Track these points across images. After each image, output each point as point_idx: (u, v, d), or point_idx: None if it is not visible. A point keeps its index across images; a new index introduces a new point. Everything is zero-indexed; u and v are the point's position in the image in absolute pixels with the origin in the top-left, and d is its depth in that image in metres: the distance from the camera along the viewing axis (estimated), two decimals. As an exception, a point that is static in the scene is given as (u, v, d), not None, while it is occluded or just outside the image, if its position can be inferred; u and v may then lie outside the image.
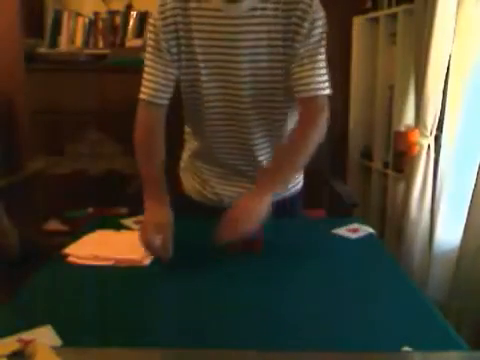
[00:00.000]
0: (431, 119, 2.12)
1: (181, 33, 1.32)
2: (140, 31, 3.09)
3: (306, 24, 1.27)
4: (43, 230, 2.89)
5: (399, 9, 2.47)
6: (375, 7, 2.80)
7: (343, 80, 2.97)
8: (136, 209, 1.70)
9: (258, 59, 1.32)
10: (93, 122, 2.90)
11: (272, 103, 1.39)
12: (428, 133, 2.14)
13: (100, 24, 3.10)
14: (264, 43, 1.31)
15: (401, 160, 2.41)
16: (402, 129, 2.44)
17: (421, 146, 2.16)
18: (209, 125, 1.44)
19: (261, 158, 1.47)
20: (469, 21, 1.95)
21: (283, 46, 1.31)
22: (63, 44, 3.08)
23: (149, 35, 1.36)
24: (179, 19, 1.31)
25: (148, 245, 1.23)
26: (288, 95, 1.37)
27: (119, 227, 1.50)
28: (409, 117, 2.45)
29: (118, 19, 3.10)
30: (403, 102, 2.49)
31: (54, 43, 3.08)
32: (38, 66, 2.90)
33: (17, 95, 2.89)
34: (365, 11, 2.87)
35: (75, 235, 1.42)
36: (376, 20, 2.78)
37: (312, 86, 1.31)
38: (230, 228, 1.22)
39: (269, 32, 1.30)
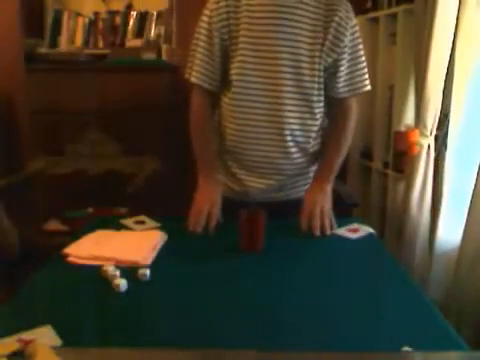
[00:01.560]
0: (431, 119, 2.12)
1: (232, 21, 1.46)
2: (140, 31, 3.09)
3: (347, 33, 1.46)
4: (43, 230, 2.89)
5: (399, 9, 2.47)
6: (375, 7, 2.79)
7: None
8: (136, 209, 1.70)
9: (299, 46, 1.44)
10: (93, 122, 2.89)
11: (310, 90, 1.49)
12: (428, 133, 2.14)
13: (100, 24, 3.10)
14: (305, 33, 1.44)
15: (401, 160, 2.41)
16: (402, 129, 2.44)
17: (421, 146, 2.16)
18: (247, 112, 1.52)
19: (293, 149, 1.55)
20: (471, 22, 1.95)
21: (322, 42, 1.45)
22: (63, 44, 3.08)
23: (201, 24, 1.50)
24: (231, 8, 1.46)
25: (197, 218, 1.48)
26: (322, 87, 1.51)
27: (119, 227, 1.50)
28: (409, 117, 2.45)
29: (118, 19, 3.10)
30: (403, 102, 2.49)
31: (54, 43, 3.08)
32: (38, 66, 2.89)
33: (17, 95, 2.89)
34: (365, 11, 2.87)
35: (75, 235, 1.42)
36: (376, 20, 2.78)
37: (355, 86, 1.53)
38: (315, 219, 1.47)
39: (311, 25, 1.44)
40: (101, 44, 3.11)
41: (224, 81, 1.52)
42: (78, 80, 2.87)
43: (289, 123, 1.51)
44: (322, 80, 1.50)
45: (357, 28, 1.51)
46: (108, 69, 2.91)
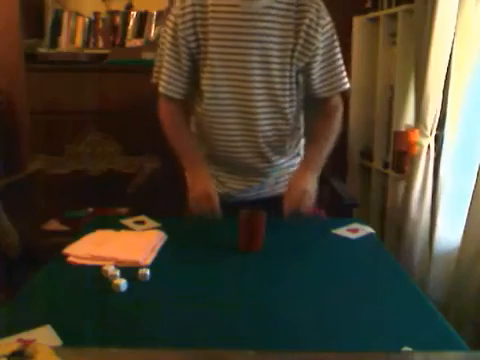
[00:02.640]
0: (431, 119, 2.12)
1: (199, 28, 1.40)
2: (140, 31, 3.09)
3: (318, 35, 1.40)
4: (43, 230, 2.89)
5: (399, 9, 2.47)
6: (375, 7, 2.79)
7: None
8: (136, 209, 1.70)
9: (269, 54, 1.41)
10: (93, 122, 2.89)
11: (281, 97, 1.47)
12: (428, 133, 2.14)
13: (100, 24, 3.10)
14: (275, 40, 1.40)
15: (401, 160, 2.41)
16: (402, 129, 2.44)
17: (421, 146, 2.16)
18: (220, 122, 1.50)
19: (269, 154, 1.56)
20: (470, 21, 1.95)
21: (293, 47, 1.41)
22: (63, 44, 3.08)
23: (166, 30, 1.44)
24: (198, 15, 1.39)
25: (201, 212, 1.41)
26: (294, 93, 1.48)
27: (119, 227, 1.50)
28: (409, 117, 2.45)
29: (118, 19, 3.10)
30: (403, 102, 2.49)
31: (54, 43, 3.07)
32: (38, 66, 2.89)
33: (17, 95, 2.89)
34: (365, 11, 2.87)
35: (75, 235, 1.42)
36: (376, 20, 2.78)
37: (333, 85, 1.48)
38: (297, 202, 1.38)
39: (281, 30, 1.39)
40: (101, 44, 3.11)
41: (196, 90, 1.50)
42: (78, 80, 2.87)
43: (262, 130, 1.51)
44: (294, 86, 1.48)
45: (330, 26, 1.45)
46: (108, 69, 2.91)
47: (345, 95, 1.58)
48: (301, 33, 1.40)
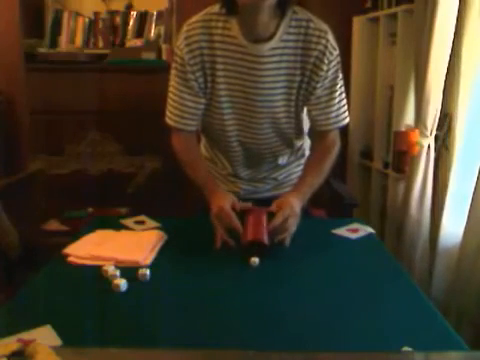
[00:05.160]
0: (431, 119, 2.12)
1: (207, 64, 1.39)
2: (140, 31, 3.09)
3: (324, 66, 1.37)
4: (43, 230, 2.89)
5: (399, 9, 2.47)
6: (375, 7, 2.79)
7: (343, 80, 2.97)
8: (136, 209, 1.70)
9: (276, 92, 1.41)
10: (93, 122, 2.90)
11: (286, 130, 1.50)
12: (428, 133, 2.14)
13: (100, 24, 3.10)
14: (282, 78, 1.39)
15: (401, 160, 2.41)
16: (402, 129, 2.44)
17: (421, 146, 2.16)
18: (227, 146, 1.55)
19: (275, 169, 1.62)
20: (475, 22, 1.94)
21: (299, 85, 1.40)
22: (63, 44, 3.08)
23: (175, 65, 1.43)
24: (205, 51, 1.38)
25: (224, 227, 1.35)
26: (299, 124, 1.51)
27: (119, 227, 1.50)
28: (409, 117, 2.45)
29: (118, 19, 3.10)
30: (403, 102, 2.49)
31: (54, 43, 3.08)
32: (38, 66, 2.89)
33: (17, 95, 2.89)
34: (365, 11, 2.87)
35: (75, 235, 1.42)
36: (376, 20, 2.78)
37: (330, 121, 1.45)
38: (285, 220, 1.33)
39: (288, 68, 1.38)
40: (101, 44, 3.11)
41: (204, 119, 1.50)
42: (78, 80, 2.87)
43: (269, 161, 1.59)
44: (301, 116, 1.49)
45: (336, 61, 1.39)
46: (108, 69, 2.91)
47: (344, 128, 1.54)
48: (307, 71, 1.38)
